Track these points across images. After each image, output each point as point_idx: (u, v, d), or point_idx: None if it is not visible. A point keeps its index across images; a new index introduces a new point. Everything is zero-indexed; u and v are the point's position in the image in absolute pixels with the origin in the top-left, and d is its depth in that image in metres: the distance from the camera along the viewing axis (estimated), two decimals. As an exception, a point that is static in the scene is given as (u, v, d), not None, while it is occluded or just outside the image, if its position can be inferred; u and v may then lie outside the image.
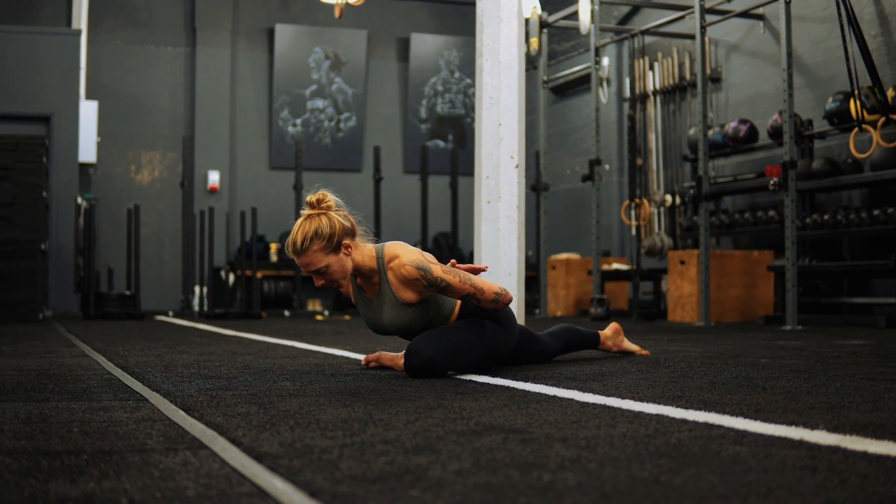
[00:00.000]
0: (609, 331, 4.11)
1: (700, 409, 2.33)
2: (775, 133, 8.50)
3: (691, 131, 9.57)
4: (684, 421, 2.12)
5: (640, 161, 9.89)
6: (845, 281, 8.37)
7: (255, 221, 10.32)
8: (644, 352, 4.18)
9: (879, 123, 7.19)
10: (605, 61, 11.30)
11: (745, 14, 9.21)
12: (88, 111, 11.55)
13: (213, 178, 12.70)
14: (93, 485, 1.47)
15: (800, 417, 2.16)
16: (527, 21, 9.67)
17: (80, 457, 1.71)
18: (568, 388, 2.85)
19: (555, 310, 10.33)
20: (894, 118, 7.12)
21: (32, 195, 8.85)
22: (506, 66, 5.67)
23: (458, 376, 3.22)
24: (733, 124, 9.08)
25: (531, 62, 10.20)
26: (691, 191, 9.51)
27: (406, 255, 3.23)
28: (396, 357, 3.51)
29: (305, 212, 3.23)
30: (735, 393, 2.68)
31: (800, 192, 8.15)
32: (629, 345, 4.17)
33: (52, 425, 2.10)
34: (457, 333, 3.27)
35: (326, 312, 11.16)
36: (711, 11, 8.96)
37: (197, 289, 11.22)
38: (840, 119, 7.86)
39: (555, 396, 2.63)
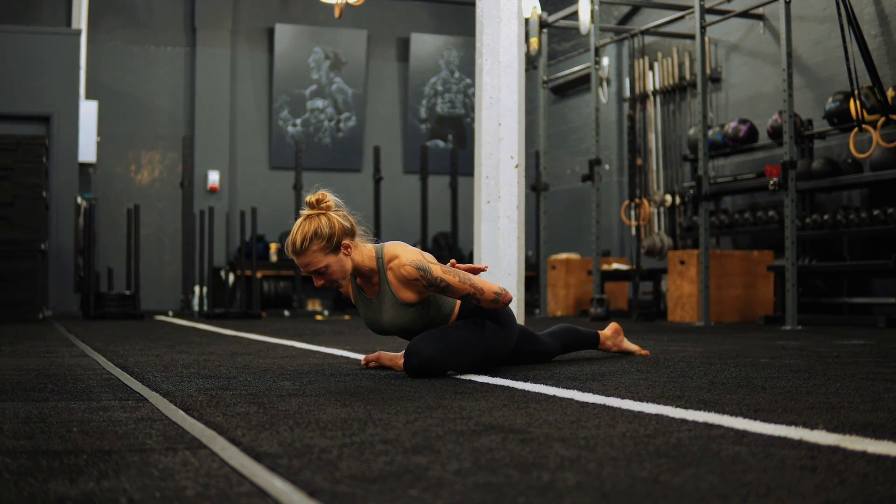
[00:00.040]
0: (609, 331, 4.11)
1: (700, 408, 2.33)
2: (775, 133, 8.50)
3: (691, 131, 9.57)
4: (684, 421, 2.12)
5: (639, 161, 9.89)
6: (845, 281, 8.37)
7: (255, 221, 10.32)
8: (644, 352, 4.18)
9: (879, 123, 7.19)
10: (605, 61, 11.30)
11: (744, 14, 9.21)
12: (88, 111, 11.55)
13: (213, 177, 12.70)
14: (92, 484, 1.47)
15: (799, 417, 2.16)
16: (527, 21, 9.67)
17: (79, 456, 1.71)
18: (567, 387, 2.85)
19: (554, 310, 10.33)
20: (894, 118, 7.12)
21: (32, 195, 8.85)
22: (506, 66, 5.67)
23: (458, 376, 3.22)
24: (733, 124, 9.08)
25: (531, 62, 10.20)
26: (691, 191, 9.51)
27: (405, 255, 3.23)
28: (396, 357, 3.51)
29: (305, 212, 3.23)
30: (735, 393, 2.68)
31: (800, 192, 8.15)
32: (629, 345, 4.17)
33: (51, 425, 2.10)
34: (457, 333, 3.27)
35: (326, 312, 11.16)
36: (711, 11, 8.96)
37: (197, 289, 11.22)
38: (840, 119, 7.86)
39: (554, 396, 2.63)
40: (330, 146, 13.26)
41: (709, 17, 8.72)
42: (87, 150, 11.51)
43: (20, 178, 8.79)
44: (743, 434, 1.92)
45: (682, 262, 8.48)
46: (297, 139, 12.35)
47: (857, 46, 7.08)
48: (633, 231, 9.83)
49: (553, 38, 12.59)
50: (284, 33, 13.03)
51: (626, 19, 11.54)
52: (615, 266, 9.99)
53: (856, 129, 7.41)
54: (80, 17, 11.91)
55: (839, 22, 7.12)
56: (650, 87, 10.36)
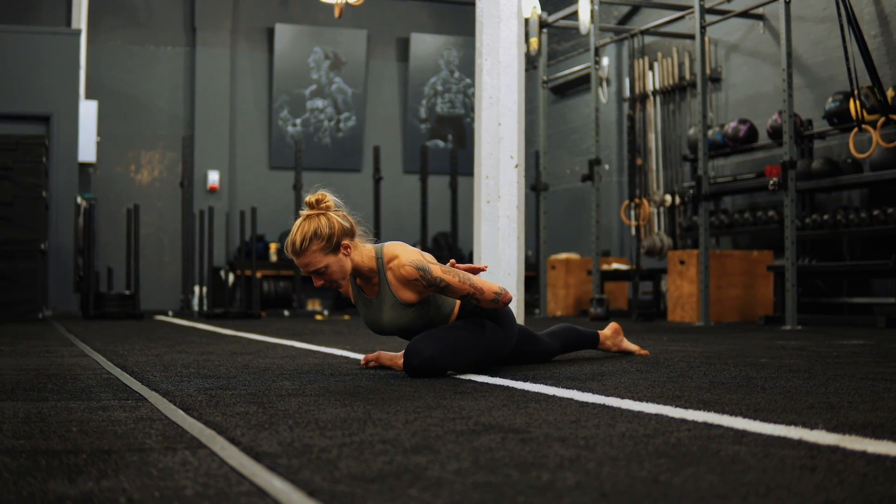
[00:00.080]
0: (608, 331, 4.11)
1: (699, 408, 2.33)
2: (775, 133, 8.50)
3: (691, 131, 9.57)
4: (683, 421, 2.12)
5: (639, 161, 9.89)
6: (845, 281, 8.37)
7: (255, 221, 10.32)
8: (643, 352, 4.18)
9: (879, 123, 7.19)
10: (605, 61, 11.30)
11: (744, 14, 9.22)
12: (88, 111, 11.55)
13: (213, 177, 12.70)
14: (91, 484, 1.46)
15: (799, 417, 2.16)
16: (527, 21, 9.67)
17: (78, 456, 1.71)
18: (567, 387, 2.85)
19: (554, 310, 10.33)
20: (894, 118, 7.12)
21: (32, 195, 8.85)
22: (505, 66, 5.67)
23: (458, 376, 3.22)
24: (733, 124, 9.08)
25: (531, 62, 10.20)
26: (691, 191, 9.51)
27: (405, 255, 3.23)
28: (396, 357, 3.51)
29: (304, 212, 3.23)
30: (734, 393, 2.68)
31: (799, 192, 8.15)
32: (629, 345, 4.17)
33: (51, 424, 2.10)
34: (456, 333, 3.27)
35: (326, 312, 11.16)
36: (711, 11, 8.96)
37: (196, 288, 11.21)
38: (840, 119, 7.86)
39: (554, 396, 2.63)
40: (330, 146, 13.26)
41: (709, 17, 8.72)
42: (87, 149, 11.51)
43: (20, 177, 8.79)
44: (742, 434, 1.92)
45: (682, 262, 8.48)
46: (297, 139, 12.35)
47: (856, 46, 7.08)
48: (633, 231, 9.83)
49: (553, 37, 12.59)
50: (284, 33, 13.03)
51: (625, 19, 11.54)
52: (615, 266, 10.00)
53: (855, 129, 7.41)
54: (80, 17, 11.91)
55: (839, 22, 7.12)
56: (650, 87, 10.36)
